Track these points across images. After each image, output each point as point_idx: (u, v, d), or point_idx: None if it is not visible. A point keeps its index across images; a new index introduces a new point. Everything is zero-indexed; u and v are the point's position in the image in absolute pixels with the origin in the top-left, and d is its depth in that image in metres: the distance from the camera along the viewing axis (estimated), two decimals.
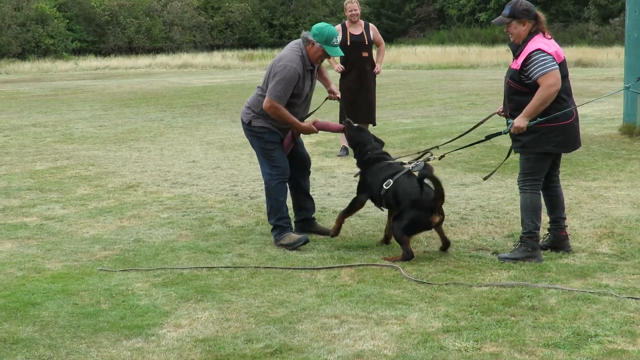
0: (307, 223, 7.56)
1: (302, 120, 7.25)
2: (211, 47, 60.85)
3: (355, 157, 7.28)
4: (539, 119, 6.38)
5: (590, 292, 5.59)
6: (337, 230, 7.14)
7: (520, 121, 6.39)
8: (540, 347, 4.68)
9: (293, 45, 7.09)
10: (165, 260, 6.72)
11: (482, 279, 6.01)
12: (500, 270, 6.23)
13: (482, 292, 5.69)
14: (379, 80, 12.85)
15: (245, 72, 39.08)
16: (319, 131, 7.28)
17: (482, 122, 7.26)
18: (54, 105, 21.83)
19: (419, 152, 7.37)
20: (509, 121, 6.52)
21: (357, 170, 7.27)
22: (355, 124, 7.39)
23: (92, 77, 36.17)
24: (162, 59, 48.31)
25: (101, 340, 4.96)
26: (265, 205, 7.52)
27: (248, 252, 6.93)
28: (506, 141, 12.33)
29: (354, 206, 7.09)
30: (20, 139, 14.92)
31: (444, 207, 6.66)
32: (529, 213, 6.55)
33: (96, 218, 8.33)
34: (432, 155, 7.00)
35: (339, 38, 7.07)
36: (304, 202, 7.57)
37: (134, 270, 6.45)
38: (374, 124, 12.04)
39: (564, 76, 6.44)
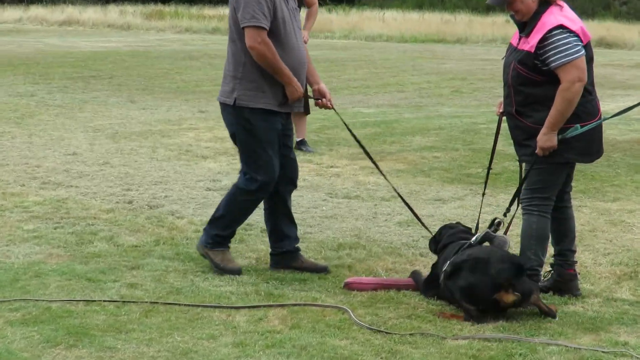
0: (289, 256, 7.29)
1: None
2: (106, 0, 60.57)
3: None
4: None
5: (603, 352, 5.64)
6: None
7: (545, 139, 6.37)
8: None
9: None
10: (27, 289, 6.63)
11: (459, 329, 6.02)
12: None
13: (458, 346, 5.71)
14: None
15: (152, 34, 38.95)
16: None
17: (495, 144, 7.20)
18: None
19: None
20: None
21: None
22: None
23: None
24: (37, 11, 48.00)
25: None
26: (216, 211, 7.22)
27: (142, 282, 6.87)
28: (501, 142, 12.44)
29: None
30: None
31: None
32: (533, 243, 6.58)
33: None
34: (497, 219, 6.75)
35: None
36: (287, 228, 7.30)
37: None
38: (308, 112, 11.45)
39: (590, 59, 6.44)
